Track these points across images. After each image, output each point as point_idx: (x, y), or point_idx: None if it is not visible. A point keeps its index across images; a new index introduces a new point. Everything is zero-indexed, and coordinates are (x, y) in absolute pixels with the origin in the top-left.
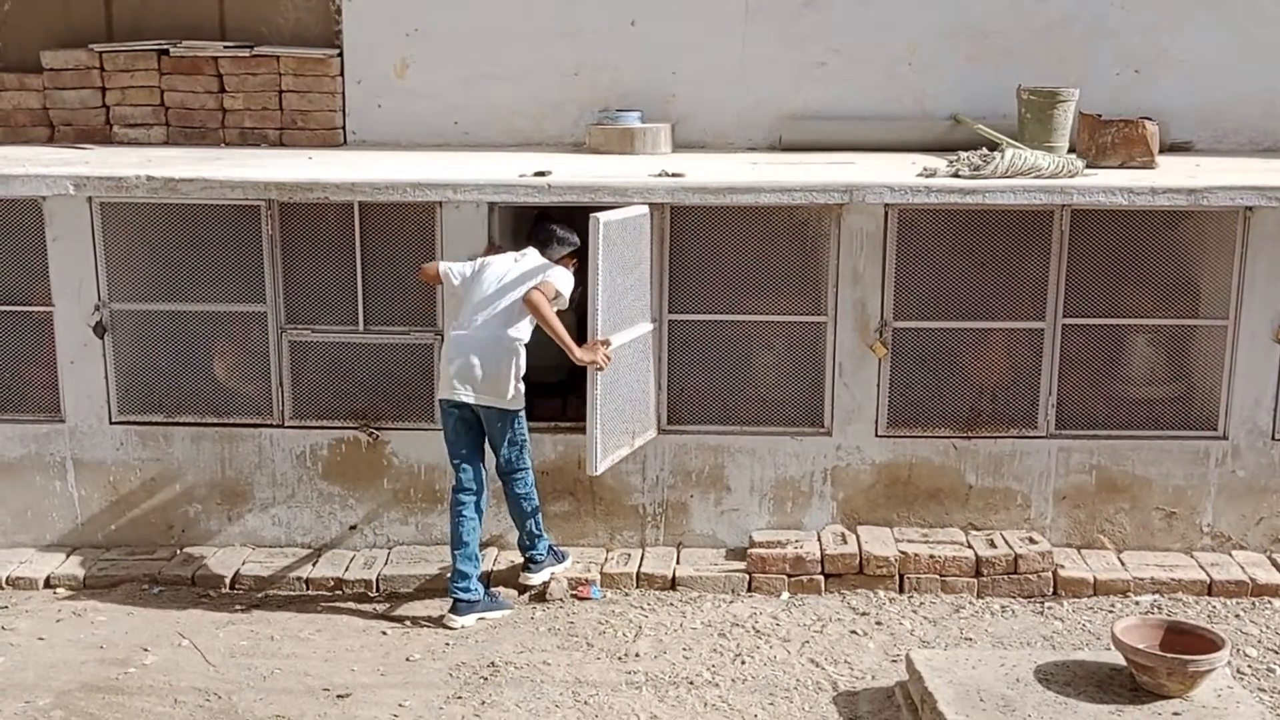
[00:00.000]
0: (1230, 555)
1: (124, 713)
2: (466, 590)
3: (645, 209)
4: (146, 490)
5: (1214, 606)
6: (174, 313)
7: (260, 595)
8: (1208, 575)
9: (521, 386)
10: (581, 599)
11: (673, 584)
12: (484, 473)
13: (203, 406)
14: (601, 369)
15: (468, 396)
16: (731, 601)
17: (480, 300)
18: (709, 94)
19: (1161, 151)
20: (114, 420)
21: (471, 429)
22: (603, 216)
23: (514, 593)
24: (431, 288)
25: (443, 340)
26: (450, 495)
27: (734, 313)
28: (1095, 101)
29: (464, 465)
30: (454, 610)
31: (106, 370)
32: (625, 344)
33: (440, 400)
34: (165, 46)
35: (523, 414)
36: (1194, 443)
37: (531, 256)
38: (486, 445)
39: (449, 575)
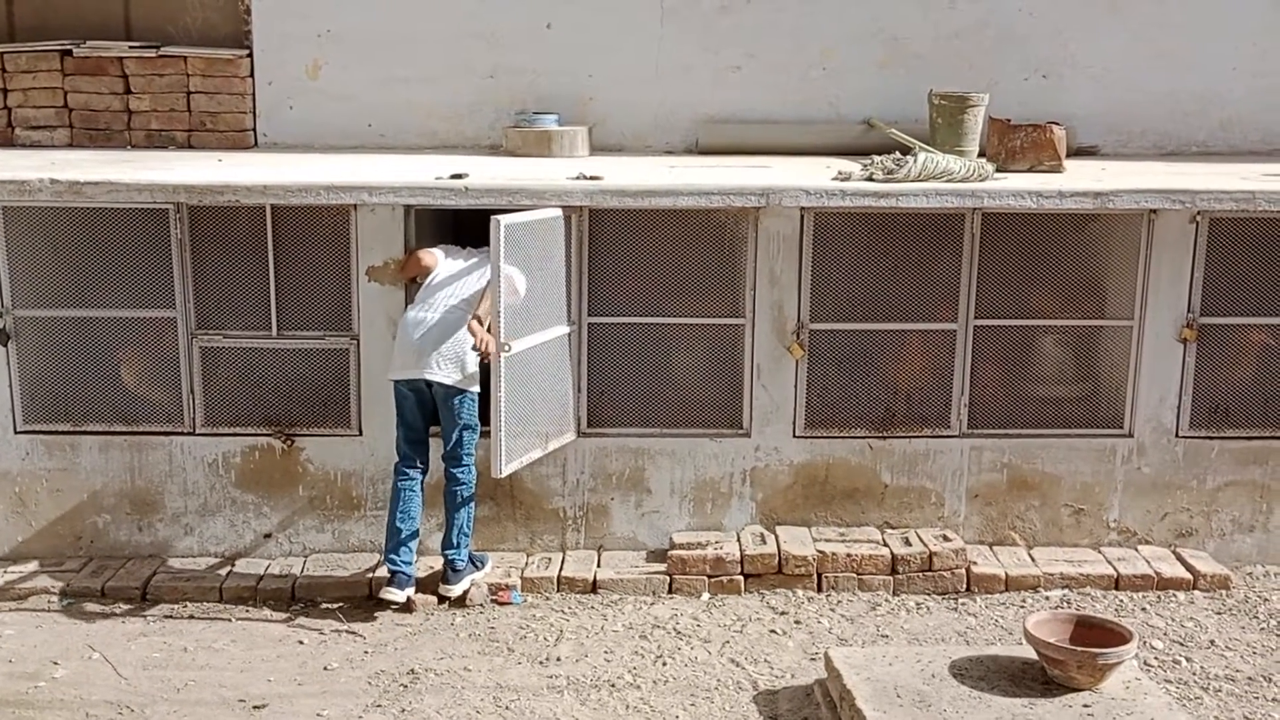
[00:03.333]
0: (1136, 550)
1: None
2: (409, 564)
3: (557, 212)
4: (54, 501)
5: (1121, 600)
6: (80, 319)
7: (172, 606)
8: (1115, 570)
9: (477, 370)
10: (502, 604)
11: (594, 587)
12: (429, 460)
13: (111, 415)
14: (483, 353)
15: (428, 374)
16: (652, 603)
17: (442, 284)
18: (626, 97)
19: (1069, 156)
20: (19, 429)
21: (428, 414)
22: (504, 219)
23: (433, 600)
24: (347, 292)
25: (358, 344)
26: (394, 478)
27: (653, 315)
28: (1004, 106)
29: (415, 444)
30: (393, 583)
31: (11, 378)
32: (536, 346)
33: (397, 381)
34: (69, 46)
35: (475, 397)
36: (1101, 440)
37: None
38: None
39: (390, 553)
